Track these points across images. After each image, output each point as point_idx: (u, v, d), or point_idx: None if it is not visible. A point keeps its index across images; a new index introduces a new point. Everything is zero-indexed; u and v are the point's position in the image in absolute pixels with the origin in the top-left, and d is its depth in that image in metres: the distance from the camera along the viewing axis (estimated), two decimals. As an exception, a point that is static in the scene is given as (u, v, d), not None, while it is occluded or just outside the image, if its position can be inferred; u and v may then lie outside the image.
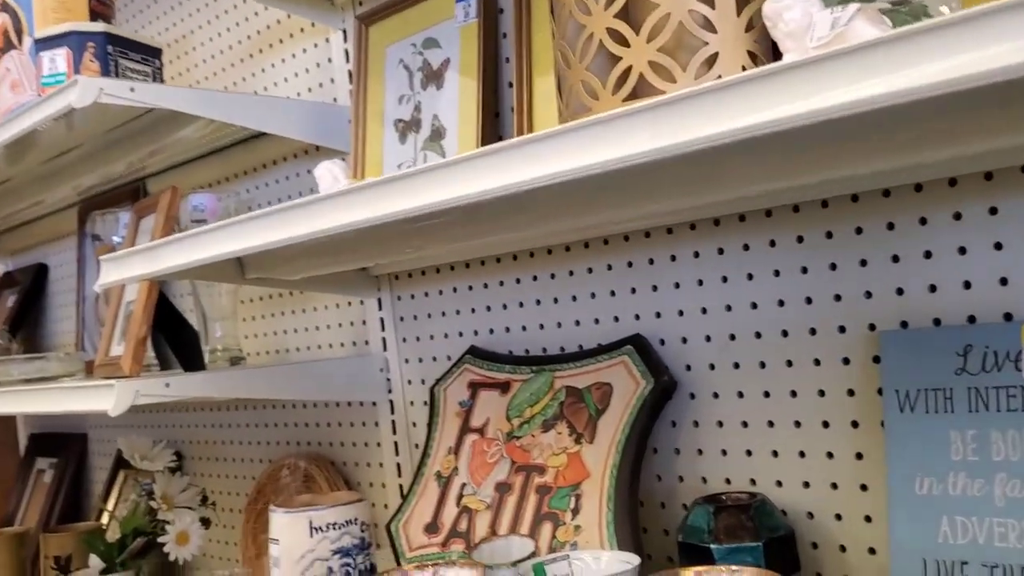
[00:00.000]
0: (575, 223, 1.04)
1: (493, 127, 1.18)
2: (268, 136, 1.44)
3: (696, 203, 0.95)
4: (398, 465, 1.40)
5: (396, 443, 1.40)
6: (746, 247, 0.98)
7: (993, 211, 0.81)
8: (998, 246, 0.81)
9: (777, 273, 0.96)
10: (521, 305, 1.22)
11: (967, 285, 0.83)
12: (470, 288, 1.29)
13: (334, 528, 0.94)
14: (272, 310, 1.62)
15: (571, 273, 1.16)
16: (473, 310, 1.29)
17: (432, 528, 1.15)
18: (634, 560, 0.84)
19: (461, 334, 1.31)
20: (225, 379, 1.30)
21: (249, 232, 0.97)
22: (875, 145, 0.73)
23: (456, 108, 1.22)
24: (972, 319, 0.83)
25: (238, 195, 1.52)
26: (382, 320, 1.42)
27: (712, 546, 0.89)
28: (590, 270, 1.14)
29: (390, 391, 1.41)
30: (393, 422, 1.41)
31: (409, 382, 1.39)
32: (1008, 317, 0.81)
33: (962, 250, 0.84)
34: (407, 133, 1.29)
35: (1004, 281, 0.81)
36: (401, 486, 1.39)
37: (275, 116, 1.34)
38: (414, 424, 1.38)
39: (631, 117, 0.62)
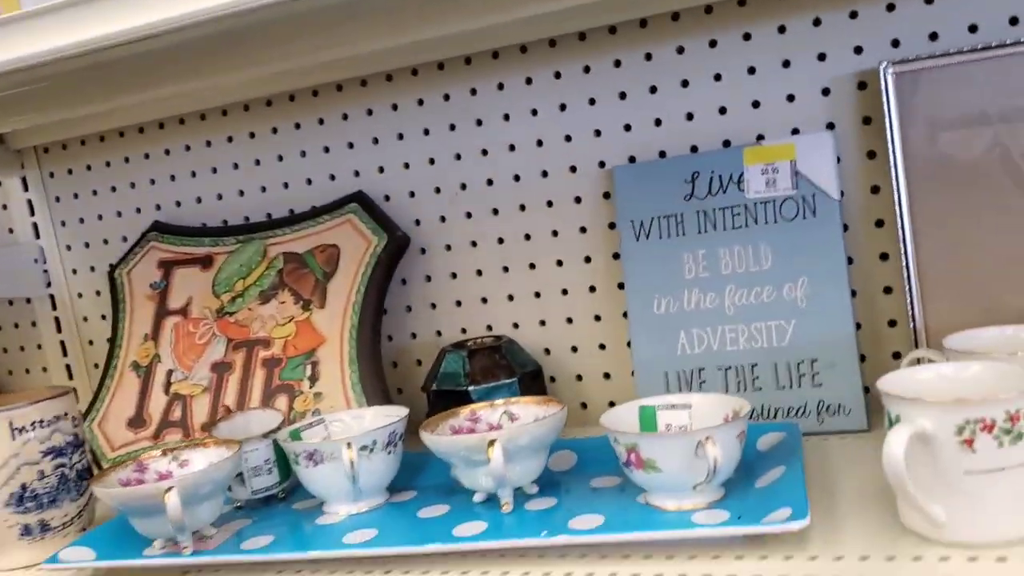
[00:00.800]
0: (279, 66, 0.93)
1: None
2: None
3: (409, 40, 0.91)
4: (68, 367, 1.22)
5: (63, 342, 1.22)
6: (474, 92, 0.97)
7: (712, 44, 0.87)
8: (717, 77, 0.88)
9: (507, 117, 0.96)
10: (215, 171, 1.10)
11: (689, 117, 0.89)
12: (147, 156, 1.14)
13: (41, 426, 0.79)
14: None
15: (275, 131, 1.06)
16: (153, 181, 1.14)
17: (137, 422, 1.02)
18: (401, 411, 0.81)
19: (139, 210, 1.15)
20: None
21: None
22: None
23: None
24: (695, 148, 0.90)
25: None
26: (30, 202, 1.21)
27: (470, 388, 0.88)
28: (298, 126, 1.05)
29: (49, 284, 1.21)
30: (57, 319, 1.22)
31: (74, 271, 1.20)
32: (727, 143, 0.88)
33: (684, 83, 0.89)
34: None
35: (723, 110, 0.88)
36: (75, 389, 1.21)
37: None
38: (85, 319, 1.21)
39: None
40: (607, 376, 0.97)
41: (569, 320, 0.97)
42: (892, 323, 0.85)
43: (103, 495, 0.72)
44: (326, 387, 0.95)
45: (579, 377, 0.98)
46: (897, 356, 0.85)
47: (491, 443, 0.68)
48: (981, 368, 0.61)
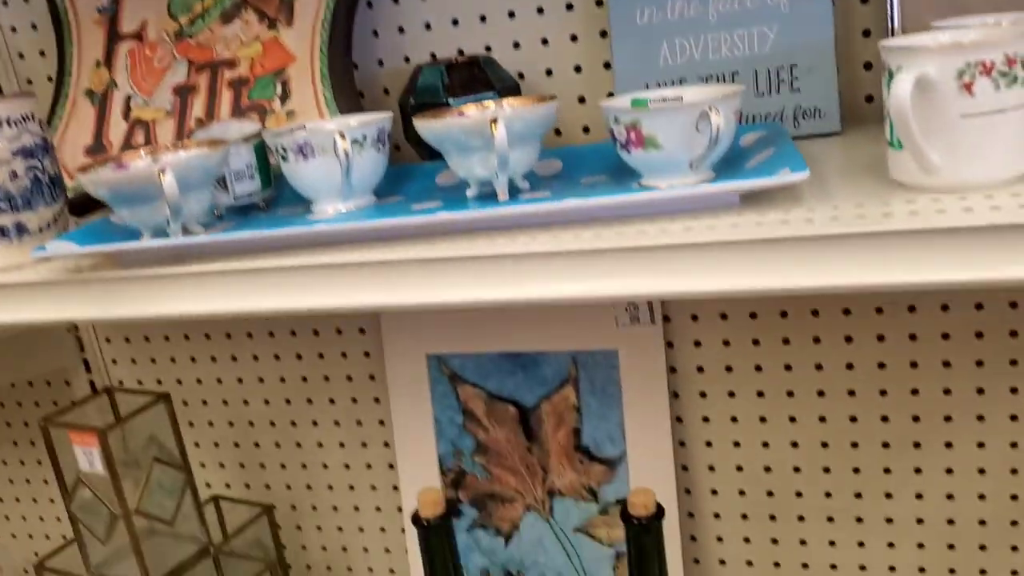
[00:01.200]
0: None
1: None
2: None
3: None
4: (7, 109, 1.16)
5: (-2, 84, 1.16)
6: None
7: None
8: None
9: None
10: None
11: None
12: None
13: (9, 125, 0.76)
14: None
15: None
16: (90, -102, 1.05)
17: (97, 149, 0.99)
18: (387, 113, 0.80)
19: (75, -68, 1.07)
20: None
21: None
22: None
23: None
24: None
25: None
26: (-52, -76, 1.11)
27: (450, 100, 0.87)
28: None
29: (-22, 17, 1.13)
30: (-12, 58, 1.15)
31: (4, 2, 1.12)
32: None
33: None
34: None
35: None
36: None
37: None
38: (21, 55, 1.14)
39: None
40: (582, 100, 0.97)
41: (544, 41, 0.96)
42: (866, 33, 0.87)
43: (90, 182, 0.70)
44: (299, 105, 0.93)
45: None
46: (869, 67, 0.87)
47: (494, 121, 0.68)
48: (977, 31, 0.63)
